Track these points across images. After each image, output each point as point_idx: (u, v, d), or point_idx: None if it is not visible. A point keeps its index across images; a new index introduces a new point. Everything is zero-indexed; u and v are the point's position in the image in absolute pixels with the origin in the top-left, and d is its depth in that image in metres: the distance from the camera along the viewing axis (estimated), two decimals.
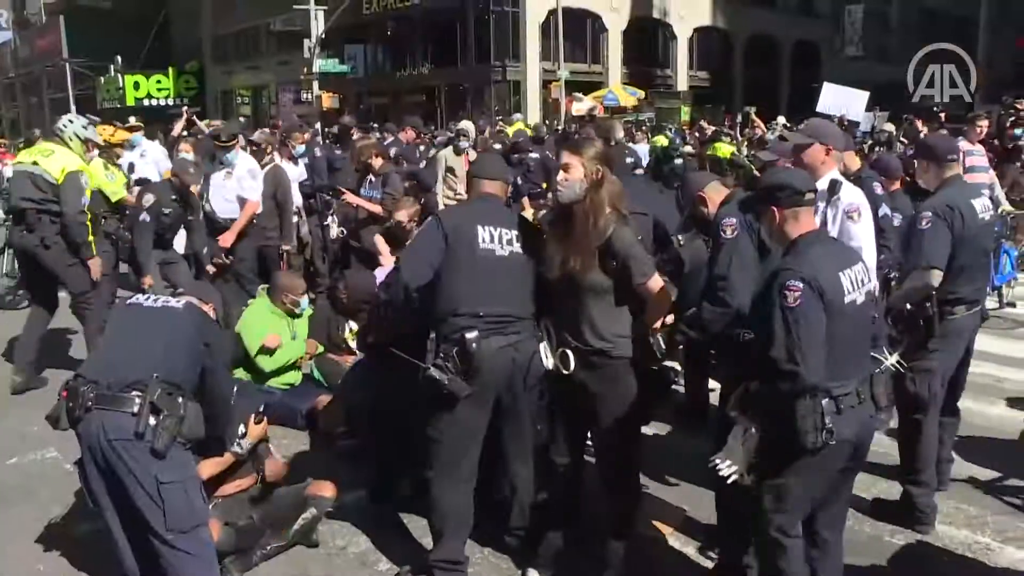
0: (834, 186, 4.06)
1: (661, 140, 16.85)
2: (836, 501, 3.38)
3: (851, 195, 4.13)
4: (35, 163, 6.57)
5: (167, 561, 3.34)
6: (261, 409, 4.22)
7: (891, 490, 4.69)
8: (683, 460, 4.94)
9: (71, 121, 6.89)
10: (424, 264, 3.70)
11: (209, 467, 3.97)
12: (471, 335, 3.56)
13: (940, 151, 4.52)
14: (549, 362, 3.72)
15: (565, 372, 3.67)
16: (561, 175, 3.66)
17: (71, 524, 4.41)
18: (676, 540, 4.35)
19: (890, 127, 13.00)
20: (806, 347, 3.04)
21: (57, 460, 5.24)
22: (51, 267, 6.63)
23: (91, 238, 6.65)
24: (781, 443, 3.15)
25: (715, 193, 4.06)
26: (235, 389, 4.01)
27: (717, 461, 3.23)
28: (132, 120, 12.10)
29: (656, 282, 3.61)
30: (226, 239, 7.90)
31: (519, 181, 10.51)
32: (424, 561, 3.89)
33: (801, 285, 3.05)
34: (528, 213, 8.39)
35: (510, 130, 14.49)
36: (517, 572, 4.04)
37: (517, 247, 3.74)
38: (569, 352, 3.66)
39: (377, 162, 7.95)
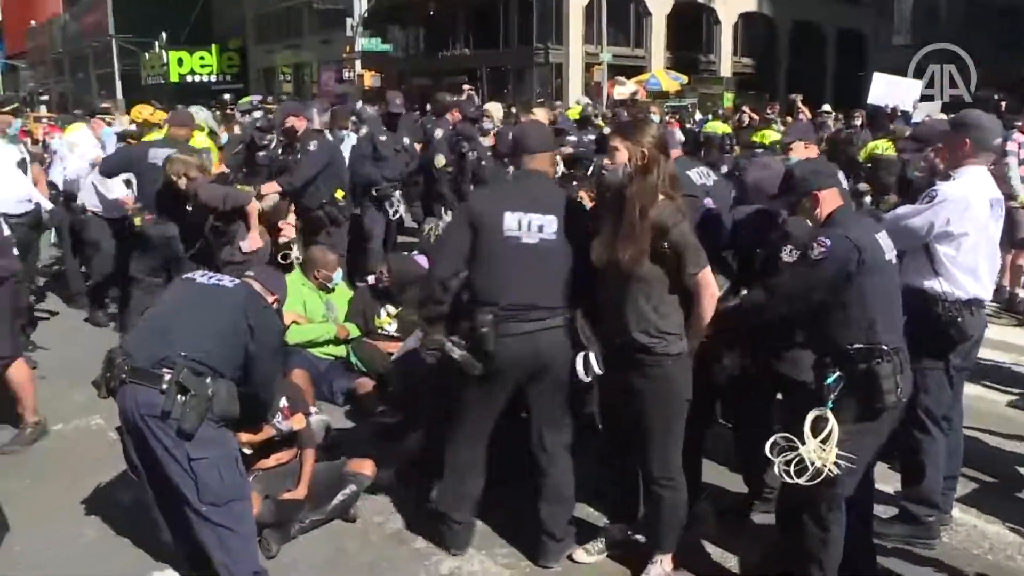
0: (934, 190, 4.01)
1: (718, 126, 16.60)
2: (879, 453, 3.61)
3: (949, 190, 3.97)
4: None
5: (203, 533, 3.35)
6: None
7: None
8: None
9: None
10: (454, 255, 3.74)
11: (247, 437, 4.00)
12: (484, 318, 3.60)
13: None
14: (582, 372, 3.68)
15: (586, 379, 3.71)
16: (606, 159, 3.59)
17: (114, 492, 4.47)
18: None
19: (943, 117, 12.68)
20: (796, 299, 3.33)
21: (102, 428, 5.31)
22: None
23: None
24: (855, 409, 3.27)
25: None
26: (280, 372, 3.96)
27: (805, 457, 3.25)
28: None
29: (708, 275, 3.47)
30: None
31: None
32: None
33: (829, 243, 3.25)
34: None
35: (572, 113, 14.17)
36: None
37: (551, 233, 3.67)
38: (591, 356, 3.67)
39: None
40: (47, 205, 7.22)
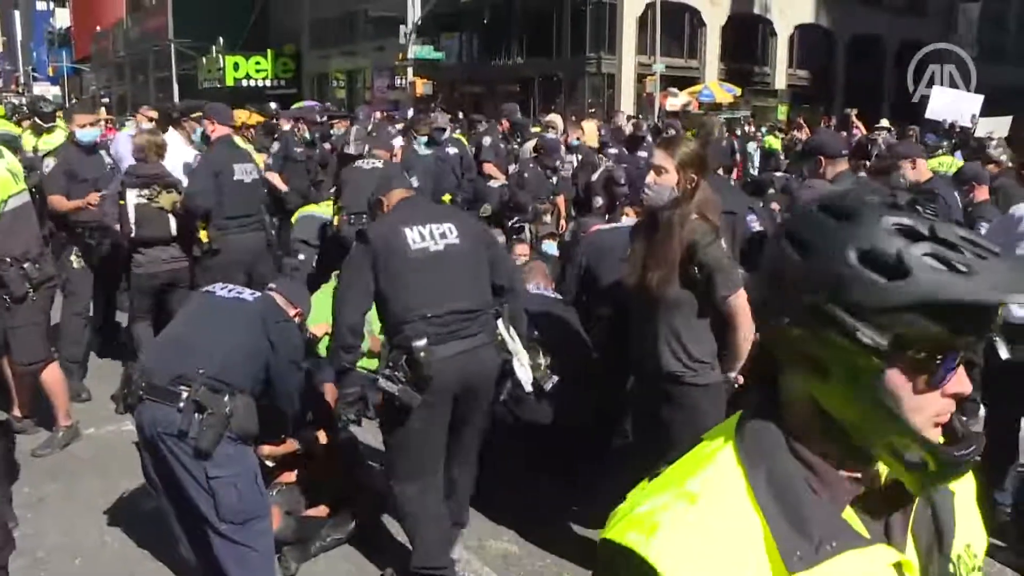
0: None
1: (772, 141, 16.45)
2: None
3: None
4: None
5: (220, 551, 3.30)
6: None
7: None
8: None
9: None
10: (359, 297, 3.60)
11: (270, 450, 3.94)
12: (419, 343, 3.43)
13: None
14: (527, 378, 3.70)
15: (546, 389, 3.77)
16: (651, 177, 3.40)
17: (138, 500, 4.41)
18: None
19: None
20: None
21: (131, 434, 5.25)
22: None
23: None
24: None
25: None
26: (301, 386, 3.85)
27: None
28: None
29: (742, 299, 3.27)
30: None
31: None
32: (407, 568, 3.78)
33: None
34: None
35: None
36: None
37: (454, 238, 3.66)
38: (542, 363, 3.75)
39: None
40: None
